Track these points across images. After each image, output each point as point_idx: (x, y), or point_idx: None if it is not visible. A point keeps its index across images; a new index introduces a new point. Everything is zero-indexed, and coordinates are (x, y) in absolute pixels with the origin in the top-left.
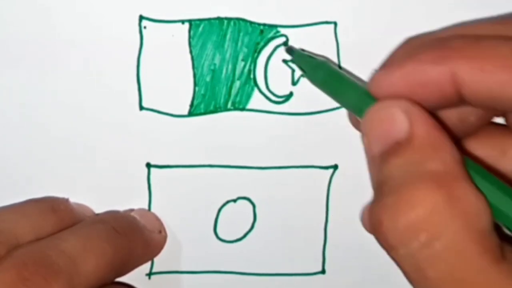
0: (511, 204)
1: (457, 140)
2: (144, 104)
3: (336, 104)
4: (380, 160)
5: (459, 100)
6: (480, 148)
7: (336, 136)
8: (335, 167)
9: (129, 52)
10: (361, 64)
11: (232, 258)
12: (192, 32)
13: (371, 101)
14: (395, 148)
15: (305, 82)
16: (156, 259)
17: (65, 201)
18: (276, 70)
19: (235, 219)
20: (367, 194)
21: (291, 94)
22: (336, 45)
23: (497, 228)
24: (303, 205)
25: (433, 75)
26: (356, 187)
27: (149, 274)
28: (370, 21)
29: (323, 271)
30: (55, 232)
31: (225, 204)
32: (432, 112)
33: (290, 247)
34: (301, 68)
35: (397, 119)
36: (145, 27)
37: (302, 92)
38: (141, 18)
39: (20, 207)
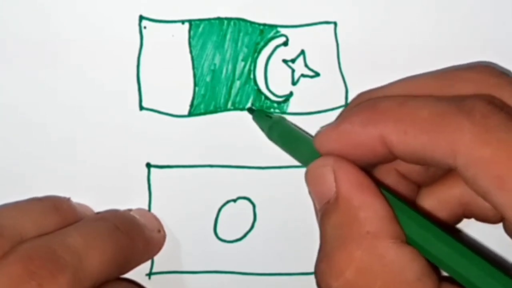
0: (442, 248)
1: (423, 184)
2: (144, 104)
3: (336, 104)
4: (319, 219)
5: (394, 156)
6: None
7: None
8: None
9: (129, 52)
10: (361, 64)
11: (232, 258)
12: (192, 32)
13: (315, 155)
14: (326, 208)
15: (305, 82)
16: (156, 259)
17: (67, 200)
18: (276, 70)
19: (235, 219)
20: None
21: (291, 94)
22: (336, 45)
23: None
24: (303, 205)
25: (362, 137)
26: None
27: (149, 274)
28: (370, 21)
29: None
30: (57, 230)
31: (225, 204)
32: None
33: (290, 247)
34: (260, 128)
35: (325, 179)
36: (145, 27)
37: (302, 92)
38: (141, 18)
39: (23, 205)
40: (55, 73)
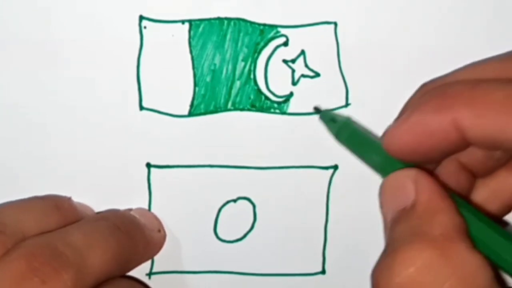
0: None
1: (486, 174)
2: (144, 104)
3: (336, 104)
4: (390, 226)
5: (467, 144)
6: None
7: None
8: (335, 167)
9: (129, 52)
10: (361, 64)
11: (232, 258)
12: (192, 32)
13: (388, 164)
14: (401, 214)
15: (305, 82)
16: (156, 259)
17: (68, 199)
18: (276, 70)
19: (235, 219)
20: (367, 194)
21: (291, 94)
22: (336, 45)
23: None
24: (303, 205)
25: (435, 125)
26: (356, 187)
27: (149, 274)
28: (370, 21)
29: (323, 271)
30: (58, 229)
31: (225, 204)
32: (441, 180)
33: (290, 247)
34: (328, 128)
35: (405, 189)
36: (145, 27)
37: (302, 92)
38: (141, 18)
39: (24, 203)
40: (55, 73)
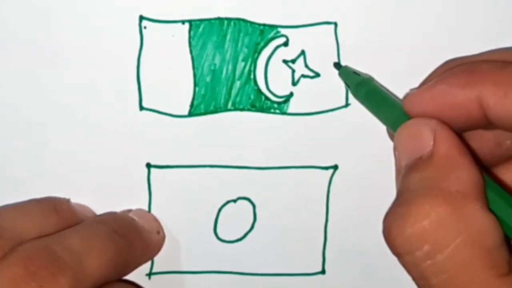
0: None
1: (493, 163)
2: (144, 104)
3: (336, 104)
4: (404, 173)
5: (487, 122)
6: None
7: (336, 136)
8: (335, 167)
9: (129, 52)
10: (361, 64)
11: (232, 258)
12: (192, 33)
13: (405, 118)
14: (417, 162)
15: (305, 82)
16: (156, 259)
17: (66, 201)
18: (276, 70)
19: (235, 219)
20: (367, 194)
21: (291, 94)
22: (336, 45)
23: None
24: (303, 205)
25: (460, 98)
26: (356, 187)
27: (149, 274)
28: (370, 21)
29: (323, 271)
30: (57, 231)
31: (225, 204)
32: (460, 134)
33: (290, 247)
34: (346, 84)
35: (423, 136)
36: (145, 27)
37: (302, 92)
38: (141, 18)
39: (22, 206)
40: (55, 73)
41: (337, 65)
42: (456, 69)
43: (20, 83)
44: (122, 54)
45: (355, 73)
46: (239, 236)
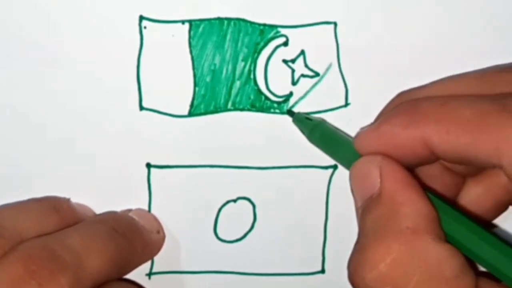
0: (483, 247)
1: (469, 175)
2: (144, 104)
3: (336, 104)
4: (360, 214)
5: (436, 158)
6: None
7: None
8: (335, 167)
9: (129, 52)
10: (361, 64)
11: (232, 258)
12: (192, 32)
13: (356, 157)
14: (369, 203)
15: (305, 82)
16: (156, 259)
17: (66, 200)
18: (276, 70)
19: (235, 219)
20: None
21: (291, 94)
22: (336, 45)
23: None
24: (303, 205)
25: (403, 138)
26: None
27: (149, 274)
28: (370, 22)
29: (322, 271)
30: (57, 231)
31: (225, 204)
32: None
33: (290, 247)
34: (300, 130)
35: (371, 175)
36: (145, 27)
37: (302, 92)
38: (141, 18)
39: (22, 205)
40: (55, 73)
41: (290, 112)
42: (399, 108)
43: (20, 83)
44: (122, 54)
45: (308, 118)
46: (239, 236)
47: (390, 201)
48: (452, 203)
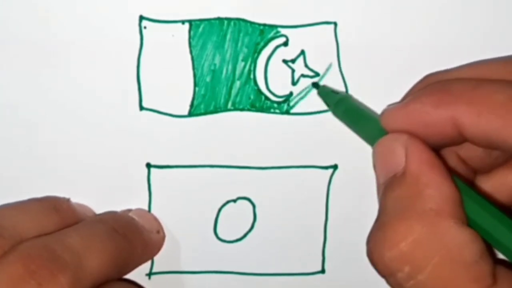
0: (505, 233)
1: (483, 171)
2: (144, 104)
3: None
4: (382, 191)
5: (463, 139)
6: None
7: (336, 136)
8: (335, 167)
9: (129, 52)
10: (361, 64)
11: (232, 258)
12: (192, 32)
13: (382, 134)
14: (392, 181)
15: (305, 82)
16: (156, 259)
17: (66, 200)
18: (276, 70)
19: (235, 219)
20: (367, 194)
21: (291, 94)
22: (336, 45)
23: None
24: (303, 205)
25: (433, 117)
26: (356, 187)
27: (149, 274)
28: (370, 21)
29: (322, 271)
30: (57, 230)
31: (225, 204)
32: (437, 150)
33: (290, 247)
34: (325, 102)
35: (396, 153)
36: (145, 27)
37: (302, 92)
38: (141, 18)
39: (22, 205)
40: (55, 73)
41: (315, 84)
42: (430, 88)
43: (20, 83)
44: (122, 54)
45: (333, 92)
46: (239, 236)
47: (414, 181)
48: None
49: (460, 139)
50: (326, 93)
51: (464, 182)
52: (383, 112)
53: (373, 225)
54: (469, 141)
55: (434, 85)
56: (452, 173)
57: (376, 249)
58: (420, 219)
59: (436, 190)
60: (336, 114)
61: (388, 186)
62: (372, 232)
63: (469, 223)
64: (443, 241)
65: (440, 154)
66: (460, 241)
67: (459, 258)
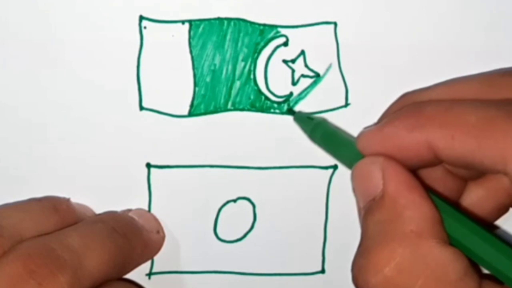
0: (486, 249)
1: (470, 178)
2: (144, 104)
3: (336, 104)
4: (362, 215)
5: (439, 161)
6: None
7: None
8: (335, 167)
9: (129, 52)
10: (361, 64)
11: (232, 258)
12: (192, 32)
13: (359, 157)
14: (371, 205)
15: (305, 82)
16: (156, 259)
17: (66, 200)
18: (276, 70)
19: (235, 219)
20: None
21: (291, 94)
22: (336, 45)
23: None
24: (303, 205)
25: (407, 141)
26: None
27: (149, 274)
28: (370, 21)
29: (322, 271)
30: (57, 230)
31: (225, 204)
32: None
33: (290, 247)
34: (302, 128)
35: (373, 177)
36: (145, 27)
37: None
38: (141, 18)
39: (22, 205)
40: (55, 73)
41: (291, 111)
42: (404, 110)
43: (20, 83)
44: (122, 54)
45: (309, 117)
46: (239, 236)
47: (393, 203)
48: (455, 205)
49: (436, 161)
50: (302, 119)
51: (443, 199)
52: (359, 136)
53: (357, 251)
54: (445, 162)
55: (408, 108)
56: (430, 192)
57: (360, 275)
58: (401, 242)
59: (415, 211)
60: (314, 139)
61: (368, 210)
62: (355, 258)
63: (451, 241)
64: (426, 262)
65: (418, 176)
66: (443, 261)
67: (444, 277)
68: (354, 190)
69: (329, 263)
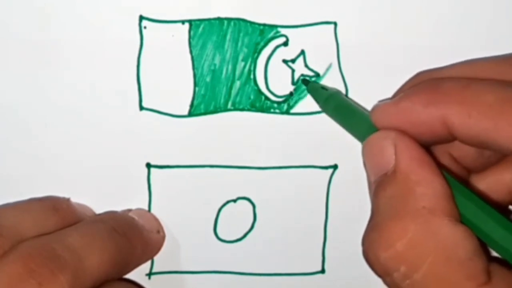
0: (496, 229)
1: (475, 170)
2: (144, 104)
3: None
4: (373, 190)
5: (453, 138)
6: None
7: (336, 136)
8: (335, 167)
9: (129, 52)
10: (361, 64)
11: (232, 258)
12: (192, 32)
13: (372, 130)
14: (383, 180)
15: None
16: (156, 259)
17: (66, 200)
18: (276, 70)
19: (235, 219)
20: (366, 193)
21: (291, 94)
22: (336, 45)
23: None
24: (303, 205)
25: (423, 116)
26: (356, 187)
27: (149, 274)
28: (370, 21)
29: (322, 271)
30: (57, 230)
31: (225, 204)
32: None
33: (290, 247)
34: (315, 98)
35: (385, 151)
36: (145, 27)
37: (302, 92)
38: (141, 18)
39: (23, 205)
40: (55, 73)
41: (305, 81)
42: (421, 86)
43: (20, 83)
44: (122, 54)
45: (323, 88)
46: (239, 236)
47: (405, 179)
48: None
49: (450, 137)
50: (315, 89)
51: (455, 178)
52: (374, 108)
53: (367, 225)
54: (459, 140)
55: (425, 84)
56: (443, 169)
57: (371, 250)
58: (413, 218)
59: (427, 187)
60: (326, 110)
61: (380, 185)
62: (366, 232)
63: (461, 219)
64: (437, 239)
65: (431, 152)
66: (454, 239)
67: (454, 255)
68: (364, 163)
69: (329, 263)
